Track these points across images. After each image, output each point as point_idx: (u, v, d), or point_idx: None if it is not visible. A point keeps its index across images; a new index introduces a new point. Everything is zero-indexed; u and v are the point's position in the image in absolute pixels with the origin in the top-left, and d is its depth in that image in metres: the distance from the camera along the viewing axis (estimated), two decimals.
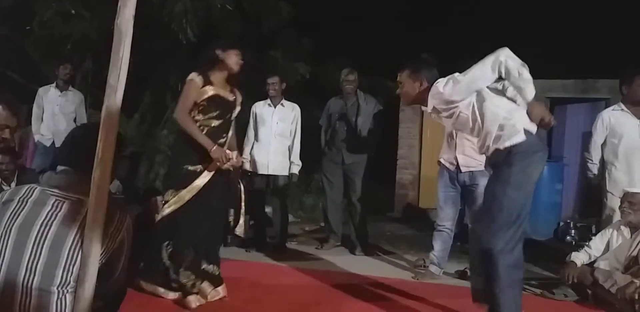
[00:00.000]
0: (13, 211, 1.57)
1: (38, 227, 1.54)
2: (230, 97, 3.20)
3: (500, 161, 2.62)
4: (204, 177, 3.10)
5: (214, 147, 3.06)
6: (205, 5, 6.24)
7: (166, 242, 3.14)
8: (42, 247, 1.53)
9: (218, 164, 3.07)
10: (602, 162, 4.10)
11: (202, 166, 3.10)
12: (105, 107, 1.62)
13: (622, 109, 4.03)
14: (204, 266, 3.17)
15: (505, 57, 2.54)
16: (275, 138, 4.72)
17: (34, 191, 1.61)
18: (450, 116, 2.72)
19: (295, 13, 7.48)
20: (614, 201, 3.95)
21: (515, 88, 2.59)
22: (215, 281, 3.19)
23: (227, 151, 3.14)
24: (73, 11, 5.86)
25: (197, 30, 6.13)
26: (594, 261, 3.63)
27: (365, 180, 4.91)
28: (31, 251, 1.52)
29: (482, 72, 2.56)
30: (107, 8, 5.55)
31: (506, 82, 2.64)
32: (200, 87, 3.09)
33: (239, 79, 3.25)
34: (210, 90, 3.10)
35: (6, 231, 1.54)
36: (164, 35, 6.03)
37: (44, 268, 1.52)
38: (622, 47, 7.77)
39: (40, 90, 5.26)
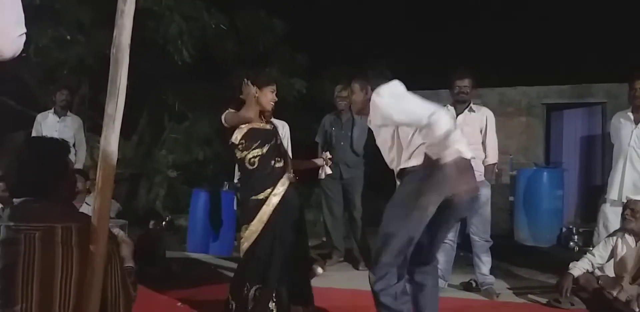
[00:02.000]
0: None
1: (21, 268, 1.47)
2: (268, 126, 3.10)
3: (402, 180, 2.56)
4: (275, 199, 2.96)
5: None
6: (200, 25, 6.32)
7: (253, 284, 2.89)
8: (32, 287, 1.47)
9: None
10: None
11: (269, 191, 2.94)
12: (103, 136, 1.61)
13: (627, 113, 4.06)
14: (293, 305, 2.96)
15: (444, 117, 2.37)
16: None
17: (0, 231, 1.52)
18: (381, 126, 2.67)
19: (289, 29, 7.56)
20: (602, 205, 4.05)
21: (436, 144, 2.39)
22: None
23: None
24: (68, 37, 5.91)
25: (193, 51, 6.19)
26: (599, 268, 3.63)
27: (365, 192, 4.91)
28: (22, 295, 1.46)
29: (416, 114, 2.40)
30: (102, 32, 5.61)
31: None
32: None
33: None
34: (244, 127, 2.99)
35: None
36: (159, 57, 6.09)
37: (40, 307, 1.47)
38: (617, 51, 7.84)
39: (39, 116, 5.26)
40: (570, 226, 6.01)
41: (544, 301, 3.71)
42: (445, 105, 4.21)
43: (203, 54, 6.50)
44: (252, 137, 2.99)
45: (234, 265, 4.96)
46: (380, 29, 9.06)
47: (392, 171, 2.72)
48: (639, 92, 3.90)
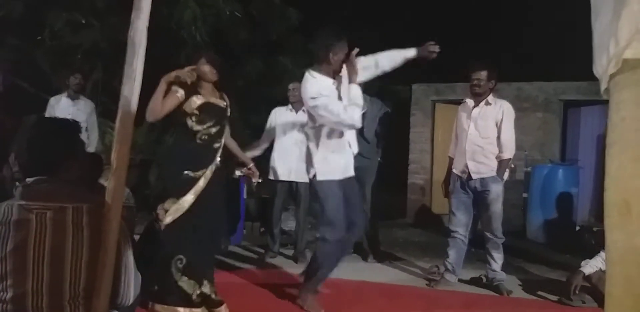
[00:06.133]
0: (0, 237, 1.50)
1: (32, 247, 1.48)
2: (222, 104, 3.19)
3: None
4: (203, 182, 3.05)
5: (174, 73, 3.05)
6: (214, 12, 6.28)
7: (176, 257, 2.99)
8: (42, 267, 1.48)
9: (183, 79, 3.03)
10: None
11: (202, 171, 3.05)
12: (119, 118, 1.61)
13: None
14: (202, 286, 3.03)
15: None
16: (296, 144, 4.65)
17: (12, 210, 1.52)
18: None
19: (303, 18, 7.49)
20: None
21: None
22: (214, 303, 3.06)
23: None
24: (83, 21, 5.90)
25: (206, 37, 6.16)
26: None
27: (376, 185, 4.86)
28: (33, 274, 1.48)
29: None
30: (116, 17, 5.60)
31: None
32: (184, 99, 3.06)
33: (224, 84, 3.28)
34: (198, 100, 3.07)
35: (1, 259, 1.48)
36: (173, 42, 6.06)
37: (50, 287, 1.48)
38: None
39: (52, 100, 5.27)
40: (584, 224, 5.94)
41: (554, 298, 3.67)
42: (463, 99, 4.17)
43: (216, 41, 6.46)
44: (207, 113, 3.09)
45: (243, 252, 4.99)
46: (397, 23, 8.96)
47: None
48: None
